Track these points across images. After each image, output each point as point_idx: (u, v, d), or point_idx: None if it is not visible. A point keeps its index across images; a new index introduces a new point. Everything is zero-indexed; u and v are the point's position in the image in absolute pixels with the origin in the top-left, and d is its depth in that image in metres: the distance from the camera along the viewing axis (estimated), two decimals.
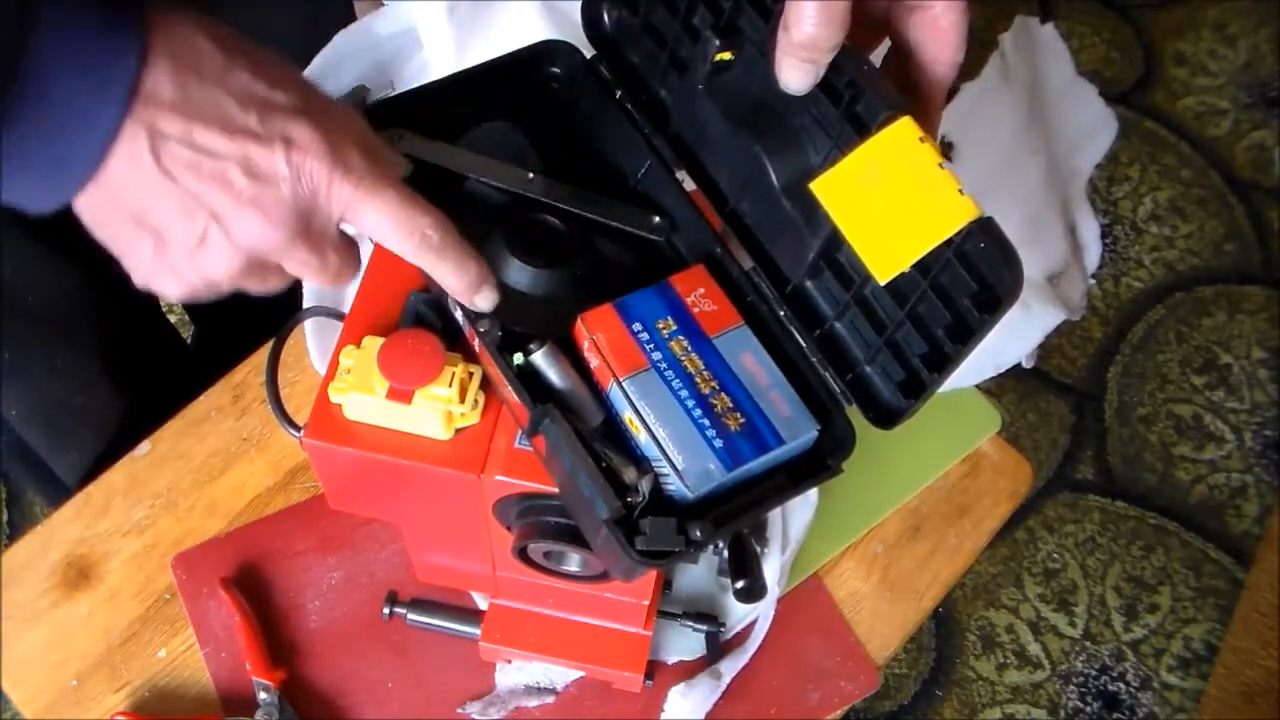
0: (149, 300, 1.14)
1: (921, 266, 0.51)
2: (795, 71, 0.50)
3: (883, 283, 0.52)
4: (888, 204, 0.50)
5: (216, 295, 0.51)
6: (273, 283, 0.52)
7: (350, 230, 0.52)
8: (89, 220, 0.48)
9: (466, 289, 0.55)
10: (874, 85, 0.50)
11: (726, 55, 0.58)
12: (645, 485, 0.54)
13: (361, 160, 0.49)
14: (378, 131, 0.55)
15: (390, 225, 0.50)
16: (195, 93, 0.44)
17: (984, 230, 0.49)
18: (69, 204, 0.46)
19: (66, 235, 0.90)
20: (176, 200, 0.45)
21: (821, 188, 0.53)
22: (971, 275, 0.50)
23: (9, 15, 0.40)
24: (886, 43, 0.55)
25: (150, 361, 1.11)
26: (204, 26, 0.46)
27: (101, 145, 0.43)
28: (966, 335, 0.51)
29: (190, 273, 0.49)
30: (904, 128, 0.50)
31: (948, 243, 0.49)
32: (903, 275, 0.51)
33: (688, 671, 0.80)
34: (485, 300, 0.55)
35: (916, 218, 0.50)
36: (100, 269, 0.96)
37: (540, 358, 0.57)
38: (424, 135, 0.62)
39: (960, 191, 0.48)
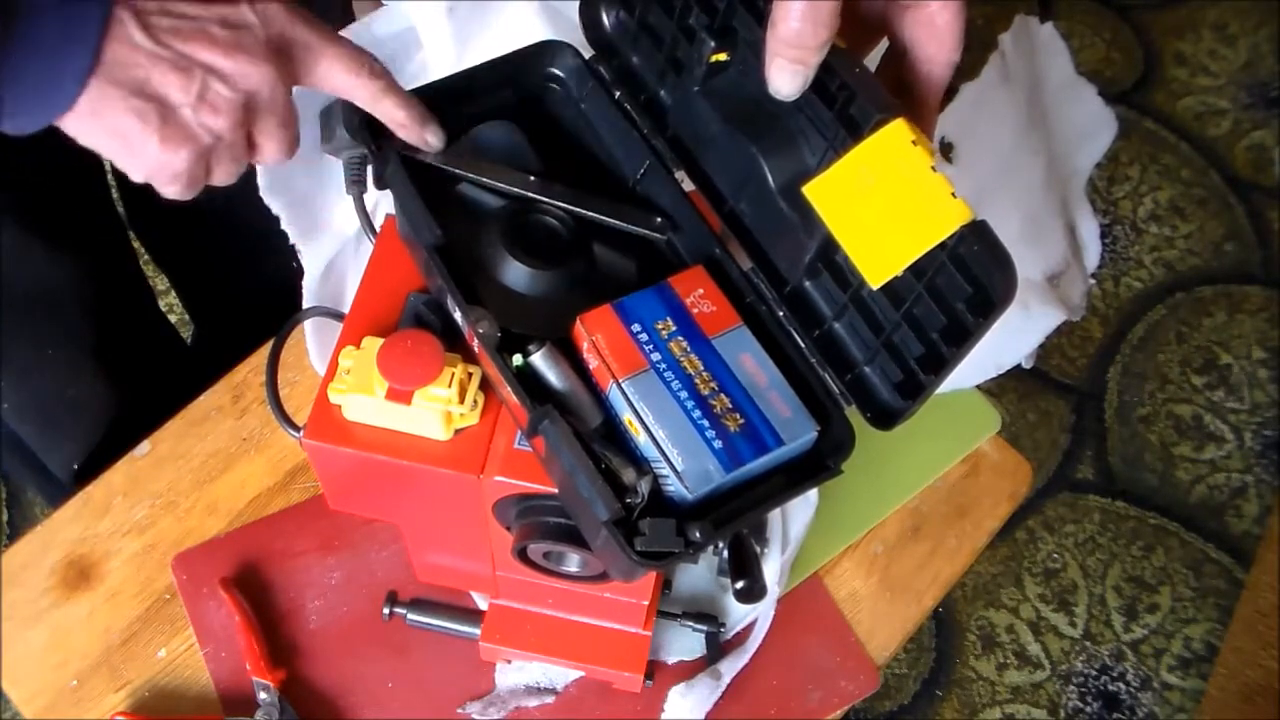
0: (144, 295, 1.14)
1: (917, 269, 0.51)
2: (784, 73, 0.50)
3: (876, 287, 0.52)
4: (880, 208, 0.50)
5: (221, 171, 0.56)
6: (274, 130, 0.56)
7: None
8: (86, 124, 0.51)
9: (418, 119, 0.59)
10: (866, 88, 0.50)
11: (722, 56, 0.58)
12: (644, 486, 0.54)
13: (308, 15, 0.56)
14: (377, 137, 0.60)
15: (344, 58, 0.56)
16: None
17: (976, 234, 0.48)
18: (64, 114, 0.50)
19: (61, 225, 0.91)
20: (170, 63, 0.50)
21: (814, 191, 0.53)
22: (966, 278, 0.50)
23: None
24: (884, 43, 0.55)
25: (145, 357, 1.11)
26: None
27: (95, 40, 0.48)
28: (962, 338, 0.51)
29: (198, 130, 0.53)
30: (896, 131, 0.49)
31: (942, 246, 0.49)
32: (898, 277, 0.51)
33: (688, 671, 0.80)
34: (435, 135, 0.61)
35: (909, 222, 0.49)
36: (95, 261, 0.97)
37: (539, 359, 0.57)
38: None
39: (953, 195, 0.48)
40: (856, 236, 0.52)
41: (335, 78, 0.57)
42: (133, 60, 0.50)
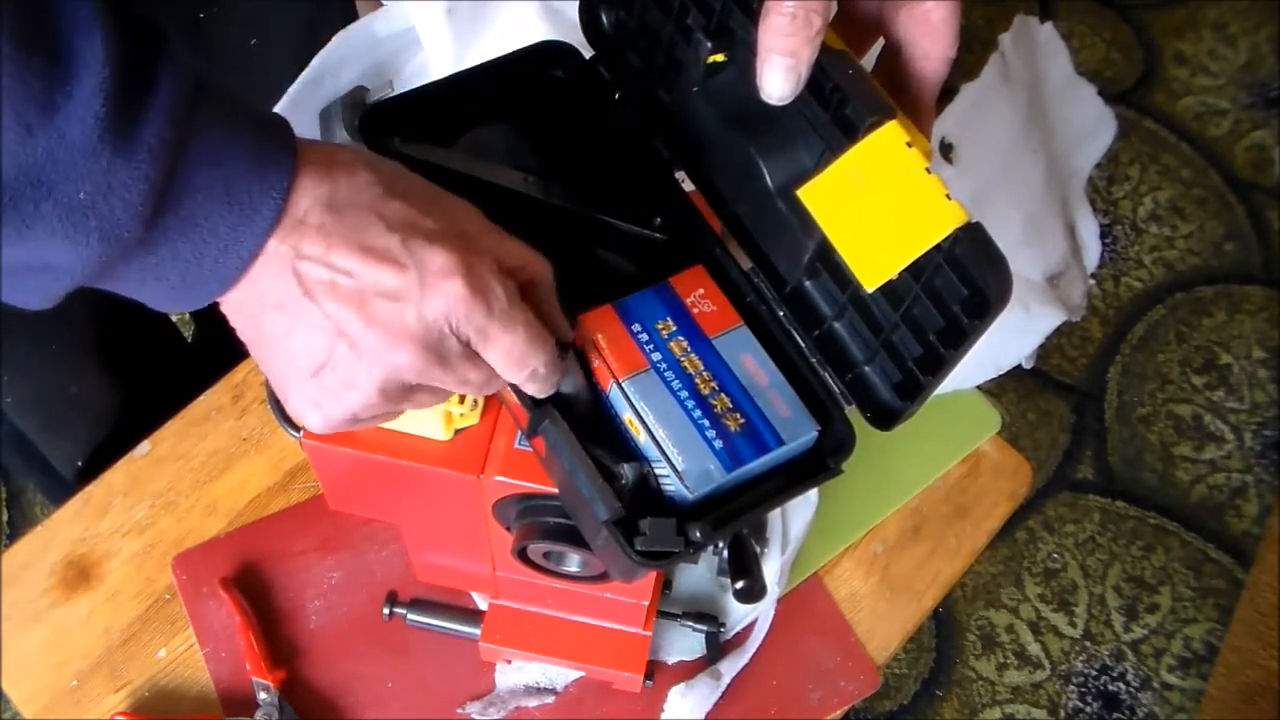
0: None
1: (914, 270, 0.51)
2: (776, 72, 0.49)
3: (870, 290, 0.52)
4: (874, 210, 0.50)
5: (365, 424, 0.50)
6: (426, 402, 0.51)
7: None
8: (242, 338, 0.48)
9: (536, 393, 0.53)
10: (859, 89, 0.50)
11: (719, 57, 0.58)
12: (630, 472, 0.54)
13: (501, 292, 0.47)
14: (376, 137, 0.57)
15: (507, 360, 0.49)
16: (343, 217, 0.45)
17: (971, 236, 0.48)
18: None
19: None
20: (313, 322, 0.45)
21: (809, 195, 0.53)
22: (962, 280, 0.50)
23: (166, 145, 0.40)
24: (879, 44, 0.55)
25: (147, 355, 1.11)
26: (365, 157, 0.47)
27: (238, 270, 0.44)
28: (959, 339, 0.51)
29: (328, 401, 0.48)
30: (890, 132, 0.49)
31: (937, 247, 0.49)
32: (896, 278, 0.51)
33: (688, 671, 0.80)
34: (540, 393, 0.54)
35: (903, 224, 0.49)
36: None
37: None
38: (423, 137, 0.62)
39: (947, 197, 0.48)
40: (851, 240, 0.52)
41: (496, 363, 0.49)
42: (277, 302, 0.45)
